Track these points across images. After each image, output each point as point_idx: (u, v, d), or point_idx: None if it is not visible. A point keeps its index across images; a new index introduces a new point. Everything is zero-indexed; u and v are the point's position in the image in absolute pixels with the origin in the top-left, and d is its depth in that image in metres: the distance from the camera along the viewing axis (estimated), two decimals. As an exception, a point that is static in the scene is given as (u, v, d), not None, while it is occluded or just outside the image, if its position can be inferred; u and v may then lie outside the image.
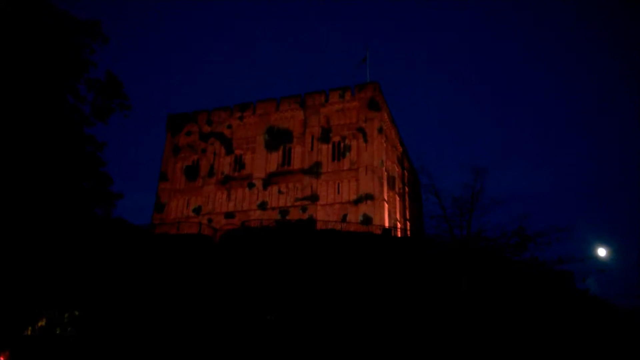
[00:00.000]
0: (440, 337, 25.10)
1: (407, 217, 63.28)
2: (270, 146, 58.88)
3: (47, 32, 20.41)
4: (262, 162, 58.21)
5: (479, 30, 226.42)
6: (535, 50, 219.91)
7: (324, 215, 52.16)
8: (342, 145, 55.93)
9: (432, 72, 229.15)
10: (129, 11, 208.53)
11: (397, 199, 59.22)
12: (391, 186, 57.03)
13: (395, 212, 56.97)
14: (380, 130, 54.68)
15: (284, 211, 54.13)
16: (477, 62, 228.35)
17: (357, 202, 52.00)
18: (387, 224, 50.40)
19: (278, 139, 59.00)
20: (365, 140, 54.12)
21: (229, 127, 61.69)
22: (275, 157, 58.30)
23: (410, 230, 62.17)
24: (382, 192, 52.01)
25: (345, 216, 51.46)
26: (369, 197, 51.53)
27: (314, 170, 55.21)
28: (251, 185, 57.42)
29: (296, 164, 56.88)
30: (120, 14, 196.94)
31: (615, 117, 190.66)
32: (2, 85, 19.22)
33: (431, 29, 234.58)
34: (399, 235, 52.81)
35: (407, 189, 65.50)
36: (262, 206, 55.63)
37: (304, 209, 53.42)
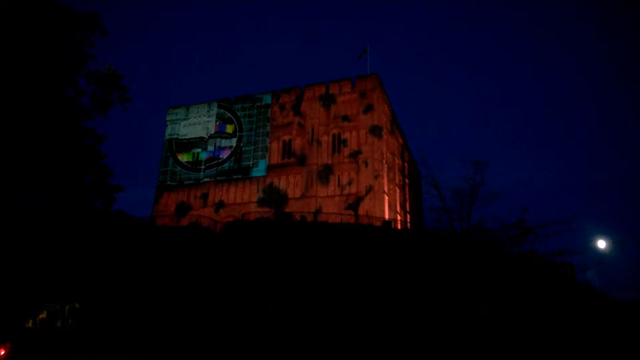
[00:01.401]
0: (439, 327, 25.18)
1: (407, 209, 63.31)
2: (270, 139, 58.90)
3: (45, 24, 20.29)
4: (262, 155, 58.19)
5: (480, 23, 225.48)
6: (536, 44, 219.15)
7: (325, 207, 52.18)
8: (342, 137, 55.81)
9: (432, 63, 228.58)
10: (129, 3, 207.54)
11: (397, 191, 59.20)
12: (391, 178, 56.99)
13: (395, 204, 56.99)
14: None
15: (284, 203, 54.15)
16: (478, 54, 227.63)
17: (357, 194, 52.00)
18: (387, 216, 50.44)
19: (278, 131, 59.06)
20: (366, 140, 54.04)
21: (230, 119, 61.57)
22: (276, 150, 58.25)
23: (410, 222, 62.22)
24: (382, 184, 51.98)
25: (345, 208, 51.45)
26: (369, 189, 51.54)
27: (314, 162, 55.16)
28: (252, 178, 57.41)
29: (296, 156, 56.80)
30: (120, 6, 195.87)
31: (615, 109, 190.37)
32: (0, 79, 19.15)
33: (432, 23, 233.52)
34: (399, 227, 52.86)
35: (407, 181, 65.47)
36: (262, 199, 55.66)
37: (304, 201, 53.43)
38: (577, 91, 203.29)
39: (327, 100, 57.90)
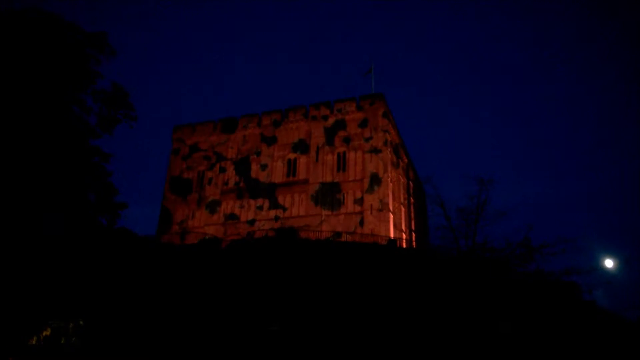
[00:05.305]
0: (446, 347, 24.88)
1: (413, 228, 63.03)
2: (275, 157, 59.11)
3: (54, 43, 20.63)
4: (268, 173, 58.35)
5: (483, 42, 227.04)
6: (540, 61, 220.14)
7: (329, 225, 52.06)
8: (346, 156, 55.88)
9: (437, 82, 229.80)
10: (135, 21, 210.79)
11: (403, 209, 59.03)
12: (396, 197, 56.87)
13: (400, 223, 56.77)
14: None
15: (289, 221, 54.02)
16: (481, 73, 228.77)
17: (362, 212, 51.87)
18: (392, 235, 50.22)
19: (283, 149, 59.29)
20: (370, 159, 54.14)
21: (236, 137, 61.94)
22: (281, 168, 58.36)
23: (416, 241, 61.88)
24: (387, 202, 51.87)
25: (350, 226, 51.30)
26: (374, 207, 51.42)
27: (318, 181, 55.19)
28: (256, 196, 57.46)
29: (301, 174, 56.88)
30: (126, 24, 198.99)
31: (622, 126, 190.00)
32: (8, 96, 19.41)
33: (436, 41, 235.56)
34: (405, 246, 52.56)
35: (412, 199, 65.31)
36: (267, 216, 55.60)
37: (308, 219, 53.31)
38: (582, 108, 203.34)
39: (332, 119, 58.11)
